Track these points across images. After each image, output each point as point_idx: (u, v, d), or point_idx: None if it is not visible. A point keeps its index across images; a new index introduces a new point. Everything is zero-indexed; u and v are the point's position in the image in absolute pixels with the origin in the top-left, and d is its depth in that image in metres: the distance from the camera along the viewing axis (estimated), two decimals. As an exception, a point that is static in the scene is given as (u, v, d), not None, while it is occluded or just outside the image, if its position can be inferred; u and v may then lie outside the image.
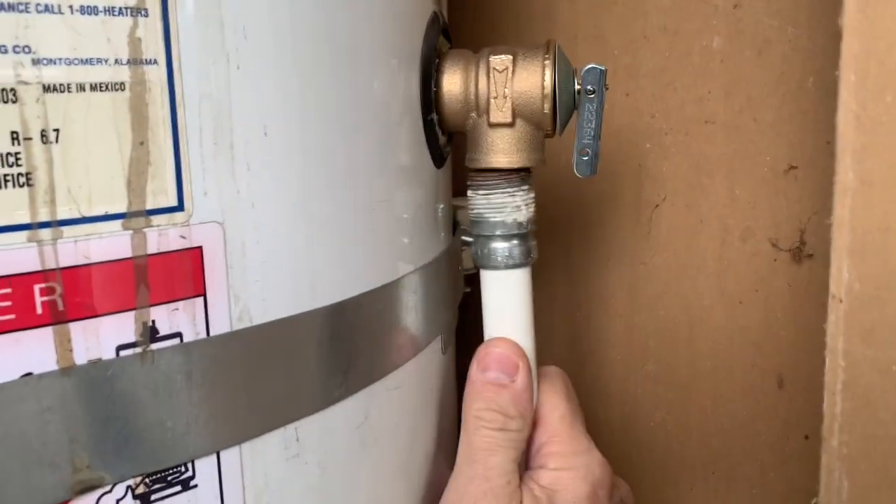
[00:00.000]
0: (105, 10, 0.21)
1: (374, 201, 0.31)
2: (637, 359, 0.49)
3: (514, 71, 0.33)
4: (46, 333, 0.21)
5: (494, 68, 0.34)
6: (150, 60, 0.22)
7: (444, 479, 0.39)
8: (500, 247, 0.35)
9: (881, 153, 0.28)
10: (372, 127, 0.30)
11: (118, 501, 0.23)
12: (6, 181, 0.20)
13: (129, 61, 0.22)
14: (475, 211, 0.36)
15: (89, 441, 0.22)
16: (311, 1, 0.27)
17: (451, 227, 0.40)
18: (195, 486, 0.25)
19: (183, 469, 0.24)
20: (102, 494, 0.23)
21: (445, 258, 0.37)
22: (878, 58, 0.28)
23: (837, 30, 0.30)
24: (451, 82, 0.35)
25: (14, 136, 0.20)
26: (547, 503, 0.33)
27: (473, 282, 0.41)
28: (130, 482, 0.23)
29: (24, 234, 0.21)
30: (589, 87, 0.33)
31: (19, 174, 0.20)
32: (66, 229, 0.21)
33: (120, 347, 0.23)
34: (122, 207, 0.22)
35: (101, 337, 0.22)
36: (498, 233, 0.35)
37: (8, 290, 0.21)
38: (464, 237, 0.40)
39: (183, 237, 0.23)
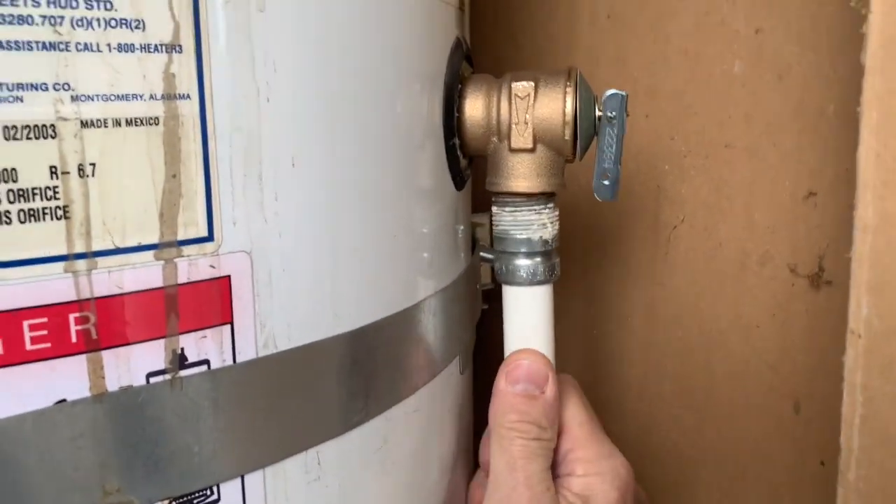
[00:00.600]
0: (141, 48, 0.22)
1: (397, 227, 0.31)
2: (653, 379, 0.49)
3: (535, 97, 0.34)
4: (80, 361, 0.22)
5: (516, 94, 0.34)
6: (184, 95, 0.23)
7: (461, 496, 0.39)
8: (525, 264, 0.35)
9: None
10: (396, 154, 0.31)
11: (146, 524, 0.24)
12: (44, 214, 0.21)
13: (163, 96, 0.22)
14: (500, 227, 0.36)
15: (119, 466, 0.23)
16: (337, 33, 0.27)
17: (470, 247, 0.40)
18: (219, 508, 0.25)
19: (208, 492, 0.25)
20: (131, 517, 0.23)
21: (464, 278, 0.38)
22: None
23: (858, 58, 0.30)
24: (474, 107, 0.35)
25: (53, 171, 0.21)
26: None
27: (491, 298, 0.42)
28: (158, 505, 0.24)
29: (60, 266, 0.21)
30: (610, 113, 0.34)
31: (57, 207, 0.21)
32: (100, 260, 0.22)
33: (150, 374, 0.23)
34: (154, 238, 0.23)
35: (133, 364, 0.23)
36: (523, 250, 0.35)
37: (44, 320, 0.21)
38: (483, 253, 0.40)
39: (212, 266, 0.24)
